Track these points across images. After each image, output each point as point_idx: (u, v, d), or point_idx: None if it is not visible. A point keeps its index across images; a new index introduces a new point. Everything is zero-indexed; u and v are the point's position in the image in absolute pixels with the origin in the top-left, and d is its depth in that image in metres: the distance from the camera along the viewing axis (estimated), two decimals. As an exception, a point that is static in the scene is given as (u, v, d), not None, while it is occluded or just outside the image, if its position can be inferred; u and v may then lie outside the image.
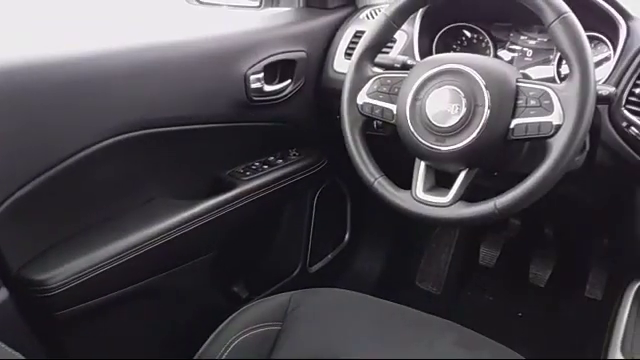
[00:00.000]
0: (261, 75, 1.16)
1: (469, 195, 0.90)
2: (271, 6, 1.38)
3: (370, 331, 0.94)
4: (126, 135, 0.99)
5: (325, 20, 1.30)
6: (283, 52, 1.20)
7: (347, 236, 1.67)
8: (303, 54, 1.24)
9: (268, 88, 1.19)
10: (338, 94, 1.01)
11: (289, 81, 1.23)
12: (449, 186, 0.91)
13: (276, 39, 1.20)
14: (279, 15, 1.32)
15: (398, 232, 1.75)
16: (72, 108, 0.92)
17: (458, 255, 1.75)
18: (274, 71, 1.21)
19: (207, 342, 0.92)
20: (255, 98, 1.17)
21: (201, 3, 1.38)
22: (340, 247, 1.66)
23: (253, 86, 1.15)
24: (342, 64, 1.25)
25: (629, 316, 1.05)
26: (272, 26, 1.24)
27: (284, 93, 1.23)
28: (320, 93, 1.30)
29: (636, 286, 1.08)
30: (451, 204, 0.89)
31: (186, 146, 1.14)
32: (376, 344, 0.91)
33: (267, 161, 1.31)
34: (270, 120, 1.26)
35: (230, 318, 0.96)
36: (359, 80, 0.98)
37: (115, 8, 1.35)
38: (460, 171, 0.90)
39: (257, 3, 1.38)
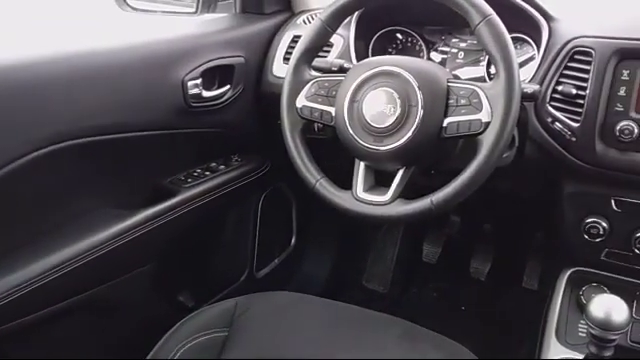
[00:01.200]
0: (199, 81, 1.15)
1: (409, 194, 0.92)
2: (207, 12, 1.37)
3: (317, 331, 0.95)
4: (61, 144, 0.97)
5: (262, 25, 1.31)
6: (221, 57, 1.20)
7: (293, 240, 1.68)
8: (241, 59, 1.24)
9: (207, 94, 1.18)
10: (278, 98, 1.01)
11: (228, 86, 1.23)
12: (388, 185, 0.93)
13: (213, 44, 1.20)
14: (216, 21, 1.32)
15: (344, 234, 1.77)
16: (3, 118, 0.89)
17: (402, 254, 1.79)
18: (212, 77, 1.20)
19: (152, 352, 0.90)
20: (194, 104, 1.16)
21: (135, 10, 1.36)
22: (287, 251, 1.67)
23: (191, 92, 1.14)
24: (281, 69, 1.26)
25: (562, 303, 1.11)
26: (209, 32, 1.24)
27: (223, 99, 1.22)
28: (260, 98, 1.30)
29: (567, 274, 1.14)
30: (390, 202, 0.91)
31: (124, 154, 1.12)
32: (323, 343, 0.92)
33: (209, 167, 1.30)
34: (210, 126, 1.25)
35: (175, 327, 0.95)
36: (297, 84, 0.99)
37: (48, 16, 1.31)
38: (398, 170, 0.92)
39: (193, 9, 1.38)
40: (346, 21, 1.17)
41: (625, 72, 0.94)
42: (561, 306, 1.10)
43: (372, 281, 1.79)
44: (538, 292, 1.56)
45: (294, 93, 0.99)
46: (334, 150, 0.99)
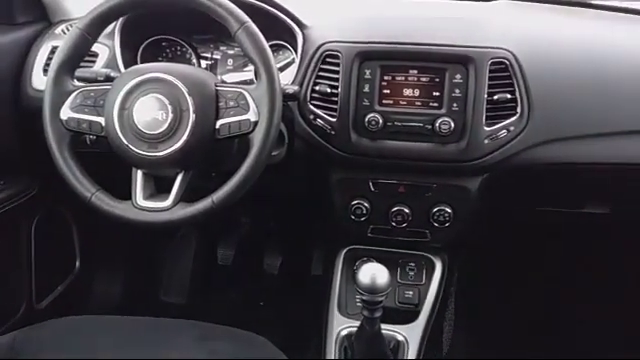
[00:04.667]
0: None
1: (195, 198, 0.95)
2: (-55, 23, 1.22)
3: (107, 348, 0.91)
4: None
5: (14, 37, 1.21)
6: None
7: (77, 263, 1.58)
8: None
9: (-49, 113, 1.06)
10: (40, 113, 0.96)
11: None
12: (170, 191, 0.94)
13: None
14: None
15: (135, 249, 1.72)
16: None
17: (198, 261, 1.80)
18: None
19: None
20: None
21: None
22: (72, 276, 1.56)
23: None
24: (41, 82, 1.18)
25: (340, 280, 1.24)
26: None
27: (-27, 117, 1.11)
28: (20, 114, 1.20)
29: (342, 254, 1.27)
30: (172, 207, 0.93)
31: None
32: (115, 358, 0.90)
33: (-38, 195, 1.16)
34: None
35: None
36: (59, 95, 0.95)
37: None
38: (177, 174, 0.95)
39: None
40: (110, 30, 1.15)
41: (367, 71, 1.09)
42: (340, 283, 1.23)
43: (170, 293, 1.77)
44: (324, 276, 1.70)
45: (57, 105, 0.95)
46: (111, 162, 0.97)
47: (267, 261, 1.82)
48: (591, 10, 1.38)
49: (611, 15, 1.35)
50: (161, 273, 1.78)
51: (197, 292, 1.77)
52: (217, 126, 0.93)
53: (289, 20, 1.16)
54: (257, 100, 0.92)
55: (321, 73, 1.12)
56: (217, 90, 0.94)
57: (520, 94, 1.06)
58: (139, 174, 0.95)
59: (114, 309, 1.63)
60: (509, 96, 1.06)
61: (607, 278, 1.59)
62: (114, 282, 1.68)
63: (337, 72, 1.10)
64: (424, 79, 1.09)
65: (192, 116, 0.91)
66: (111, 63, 1.17)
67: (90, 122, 0.95)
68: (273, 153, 1.03)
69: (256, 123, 0.92)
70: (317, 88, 1.11)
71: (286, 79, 1.14)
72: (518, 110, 1.07)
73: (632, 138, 1.08)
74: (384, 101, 1.10)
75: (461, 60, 1.07)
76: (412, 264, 1.24)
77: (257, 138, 0.91)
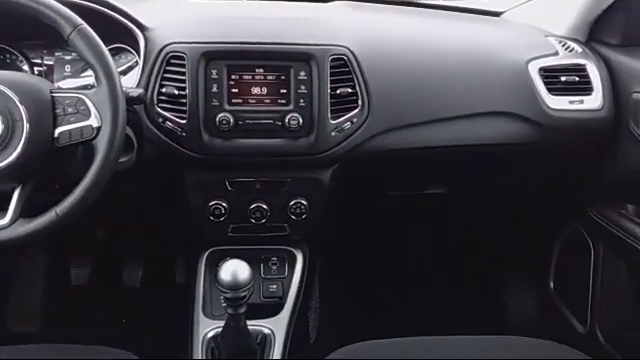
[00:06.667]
0: None
1: (38, 212, 0.89)
2: None
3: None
4: None
5: None
6: None
7: None
8: None
9: None
10: None
11: None
12: (6, 207, 0.88)
13: None
14: None
15: None
16: None
17: (49, 285, 1.68)
18: None
19: None
20: None
21: None
22: None
23: None
24: None
25: (204, 283, 1.22)
26: None
27: None
28: None
29: (204, 257, 1.26)
30: (11, 224, 0.88)
31: None
32: None
33: None
34: None
35: None
36: None
37: None
38: (14, 189, 0.89)
39: None
40: None
41: (214, 71, 1.10)
42: (204, 286, 1.22)
43: (20, 322, 1.62)
44: (187, 282, 1.66)
45: None
46: None
47: (127, 274, 1.75)
48: (420, 9, 1.52)
49: (438, 13, 1.50)
50: (8, 300, 1.63)
51: (51, 317, 1.65)
52: (55, 134, 0.89)
53: (128, 22, 1.13)
54: (98, 105, 0.89)
55: (167, 75, 1.10)
56: (53, 97, 0.90)
57: (360, 88, 1.13)
58: (-32, 192, 0.88)
59: None
60: (350, 90, 1.13)
61: (450, 253, 1.75)
62: None
63: (183, 73, 1.09)
64: (270, 77, 1.12)
65: (26, 125, 0.86)
66: None
67: None
68: (122, 159, 1.00)
69: (99, 129, 0.89)
70: (164, 90, 1.09)
71: (130, 82, 1.11)
72: (359, 103, 1.14)
73: (459, 123, 1.21)
74: (233, 100, 1.11)
75: (304, 58, 1.11)
76: (274, 258, 1.27)
77: (101, 144, 0.88)
